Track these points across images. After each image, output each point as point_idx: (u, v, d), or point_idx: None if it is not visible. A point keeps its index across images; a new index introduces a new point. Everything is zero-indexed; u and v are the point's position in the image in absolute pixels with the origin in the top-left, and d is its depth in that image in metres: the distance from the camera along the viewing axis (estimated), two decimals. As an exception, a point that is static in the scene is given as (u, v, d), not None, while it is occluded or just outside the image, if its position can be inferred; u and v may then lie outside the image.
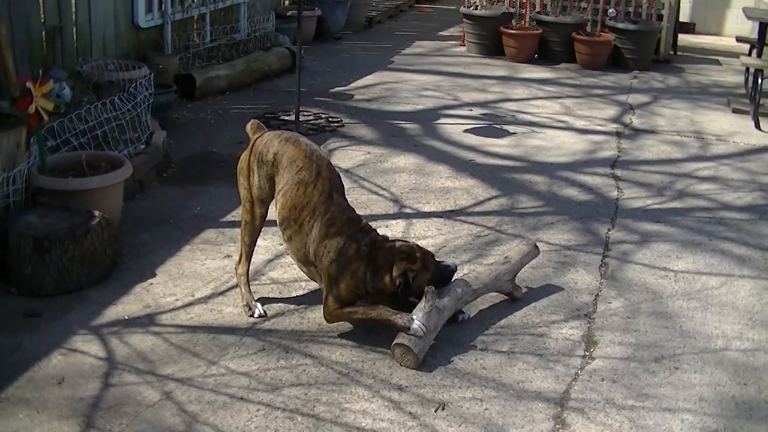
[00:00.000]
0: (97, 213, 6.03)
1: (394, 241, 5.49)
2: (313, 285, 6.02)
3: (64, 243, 5.72)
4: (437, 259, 5.53)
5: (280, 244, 6.60)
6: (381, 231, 6.50)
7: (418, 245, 5.46)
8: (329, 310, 5.35)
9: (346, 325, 5.55)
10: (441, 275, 5.45)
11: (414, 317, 5.15)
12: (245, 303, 5.70)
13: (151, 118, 8.33)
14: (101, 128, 7.33)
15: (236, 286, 5.88)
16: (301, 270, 5.63)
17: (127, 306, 5.68)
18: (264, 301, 5.79)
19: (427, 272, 5.35)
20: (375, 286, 5.28)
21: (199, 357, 5.11)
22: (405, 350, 5.06)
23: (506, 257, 6.03)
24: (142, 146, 7.80)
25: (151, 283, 6.00)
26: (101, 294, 5.82)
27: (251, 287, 5.81)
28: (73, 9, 8.94)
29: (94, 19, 9.29)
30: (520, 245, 6.22)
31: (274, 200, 5.62)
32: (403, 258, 5.30)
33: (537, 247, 6.25)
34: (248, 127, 5.85)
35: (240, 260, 5.80)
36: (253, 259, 6.16)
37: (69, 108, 7.71)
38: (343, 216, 5.39)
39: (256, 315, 5.62)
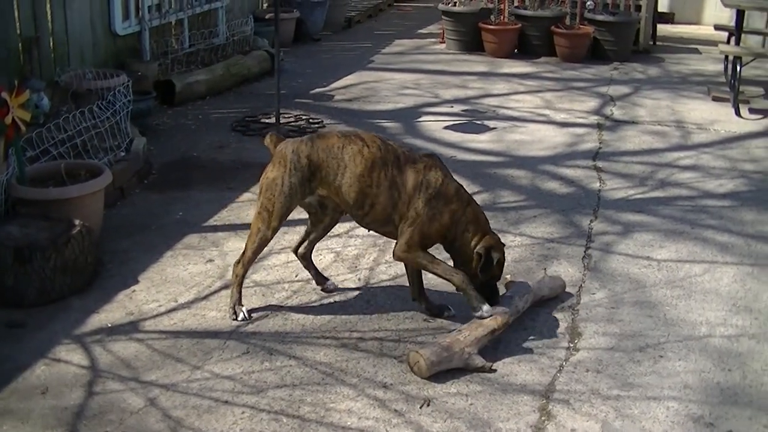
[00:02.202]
0: (77, 221, 6.01)
1: None
2: (297, 286, 6.03)
3: (45, 252, 5.70)
4: None
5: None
6: (363, 230, 6.52)
7: None
8: (408, 244, 5.35)
9: (329, 325, 5.55)
10: (493, 290, 5.52)
11: (486, 306, 5.31)
12: (231, 305, 5.67)
13: (130, 126, 8.30)
14: (80, 137, 7.31)
15: (219, 290, 5.91)
16: (378, 231, 5.66)
17: (110, 314, 5.66)
18: (247, 303, 5.77)
19: (499, 270, 5.47)
20: (459, 239, 5.40)
21: (183, 362, 5.09)
22: (423, 363, 4.96)
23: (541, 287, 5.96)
24: (122, 154, 7.78)
25: (134, 290, 5.98)
26: (84, 302, 5.80)
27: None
28: (49, 18, 8.91)
29: (70, 28, 9.27)
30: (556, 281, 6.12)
31: (318, 197, 5.62)
32: (496, 241, 5.43)
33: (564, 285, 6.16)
34: (267, 140, 5.70)
35: (241, 261, 5.67)
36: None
37: (48, 118, 7.71)
38: (418, 153, 5.57)
39: (239, 319, 5.60)
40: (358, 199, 5.39)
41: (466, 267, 5.41)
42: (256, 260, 5.91)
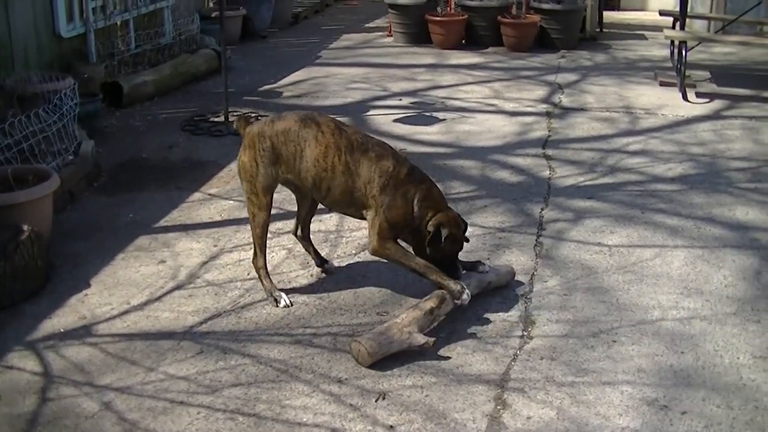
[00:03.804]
0: (26, 227, 5.95)
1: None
2: (249, 284, 6.00)
3: (-6, 260, 5.66)
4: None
5: (215, 246, 6.58)
6: (314, 225, 6.51)
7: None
8: (380, 235, 5.45)
9: (283, 322, 5.54)
10: (452, 266, 5.59)
11: (467, 289, 5.39)
12: (268, 295, 5.79)
13: (78, 128, 8.23)
14: (27, 141, 7.23)
15: (171, 291, 5.90)
16: (340, 213, 5.84)
17: (62, 318, 5.61)
18: (200, 303, 5.76)
19: (454, 247, 5.54)
20: (417, 216, 5.47)
21: (137, 364, 5.06)
22: (364, 350, 5.00)
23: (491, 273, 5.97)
24: (71, 157, 7.71)
25: (86, 294, 5.94)
26: (36, 308, 5.74)
27: (212, 285, 5.77)
28: (-9, 22, 8.83)
29: (13, 31, 9.16)
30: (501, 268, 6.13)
31: (286, 180, 5.71)
32: (450, 217, 5.50)
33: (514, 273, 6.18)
34: (236, 124, 5.89)
35: (255, 254, 5.82)
36: (186, 263, 6.19)
37: (-7, 123, 7.63)
38: (371, 140, 5.64)
39: (281, 305, 5.72)
40: (316, 182, 5.53)
41: (419, 245, 5.55)
42: (207, 260, 5.87)
